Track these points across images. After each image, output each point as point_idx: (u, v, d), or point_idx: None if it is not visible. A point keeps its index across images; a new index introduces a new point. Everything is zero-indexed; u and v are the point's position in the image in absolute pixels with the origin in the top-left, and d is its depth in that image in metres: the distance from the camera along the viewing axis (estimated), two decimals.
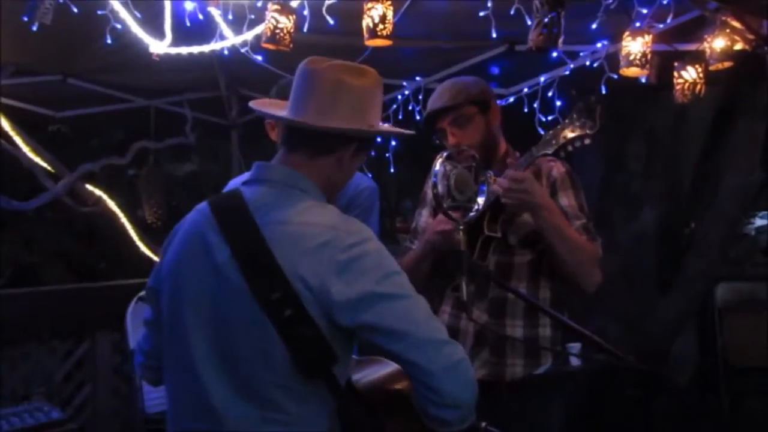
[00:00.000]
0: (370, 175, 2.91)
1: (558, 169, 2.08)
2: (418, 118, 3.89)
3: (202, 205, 1.46)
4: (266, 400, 1.31)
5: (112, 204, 4.97)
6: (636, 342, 4.23)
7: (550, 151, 1.78)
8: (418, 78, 3.93)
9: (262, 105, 1.54)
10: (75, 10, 2.77)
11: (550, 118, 3.45)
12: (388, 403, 1.43)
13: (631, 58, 2.79)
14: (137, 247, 4.97)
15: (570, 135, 1.71)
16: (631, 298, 4.43)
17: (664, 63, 3.07)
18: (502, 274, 2.07)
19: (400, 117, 3.99)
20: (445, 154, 1.88)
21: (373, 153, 3.14)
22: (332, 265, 1.28)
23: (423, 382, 1.25)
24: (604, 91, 3.12)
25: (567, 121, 1.72)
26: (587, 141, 1.69)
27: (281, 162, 1.46)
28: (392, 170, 3.51)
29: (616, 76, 2.98)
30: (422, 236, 2.20)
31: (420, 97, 3.87)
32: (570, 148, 1.71)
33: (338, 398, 1.32)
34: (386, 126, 1.66)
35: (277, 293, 1.27)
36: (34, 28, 2.67)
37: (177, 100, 4.70)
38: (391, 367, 1.51)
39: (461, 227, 1.79)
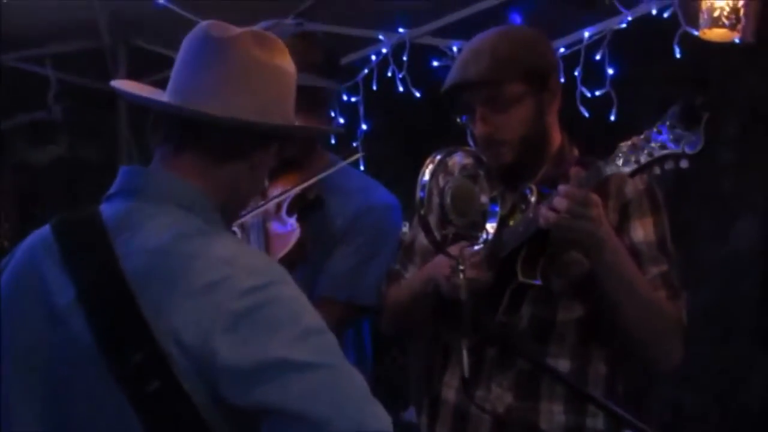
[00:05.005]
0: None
1: (634, 184, 2.00)
2: (401, 89, 3.77)
3: (44, 229, 1.43)
4: None
5: None
6: (729, 422, 4.06)
7: (627, 171, 1.76)
8: (401, 30, 3.80)
9: (130, 87, 1.55)
10: None
11: (597, 93, 3.38)
12: None
13: (716, 14, 2.85)
14: None
15: (659, 152, 1.67)
16: (721, 354, 4.12)
17: (766, 13, 3.04)
18: (538, 334, 2.01)
19: (374, 87, 3.83)
20: (438, 157, 1.88)
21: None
22: (222, 316, 1.22)
23: None
24: (678, 54, 3.10)
25: (655, 130, 1.68)
26: (683, 164, 1.66)
27: (163, 167, 1.42)
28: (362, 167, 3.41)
29: (695, 32, 2.98)
30: (418, 259, 2.21)
31: (404, 57, 3.72)
32: (657, 170, 1.69)
33: None
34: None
35: (137, 354, 1.24)
36: None
37: (35, 54, 4.55)
38: None
39: (462, 268, 1.80)
